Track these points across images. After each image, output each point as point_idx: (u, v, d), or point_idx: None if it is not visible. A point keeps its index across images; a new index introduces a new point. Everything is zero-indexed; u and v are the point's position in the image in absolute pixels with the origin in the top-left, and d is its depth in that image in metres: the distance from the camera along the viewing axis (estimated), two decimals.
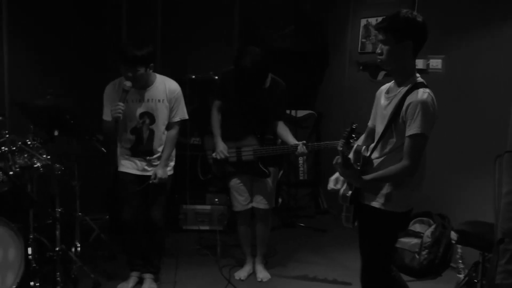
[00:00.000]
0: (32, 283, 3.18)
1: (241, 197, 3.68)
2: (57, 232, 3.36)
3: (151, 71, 3.27)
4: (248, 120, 3.56)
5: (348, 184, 2.52)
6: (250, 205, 3.71)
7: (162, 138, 3.41)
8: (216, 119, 3.65)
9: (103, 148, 3.78)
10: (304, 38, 5.19)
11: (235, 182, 3.67)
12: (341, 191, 2.53)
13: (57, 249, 3.29)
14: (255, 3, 5.21)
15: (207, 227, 4.67)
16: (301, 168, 5.35)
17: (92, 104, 3.47)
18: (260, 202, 3.67)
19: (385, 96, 2.52)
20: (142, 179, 3.41)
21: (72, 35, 4.59)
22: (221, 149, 3.58)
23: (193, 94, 4.54)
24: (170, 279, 3.66)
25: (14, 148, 3.25)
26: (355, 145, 2.54)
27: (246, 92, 3.51)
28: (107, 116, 3.31)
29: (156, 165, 3.41)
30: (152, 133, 3.37)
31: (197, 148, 4.64)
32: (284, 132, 3.56)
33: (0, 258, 3.03)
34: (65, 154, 3.73)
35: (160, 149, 3.42)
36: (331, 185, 2.60)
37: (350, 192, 2.50)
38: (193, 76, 4.73)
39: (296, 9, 5.29)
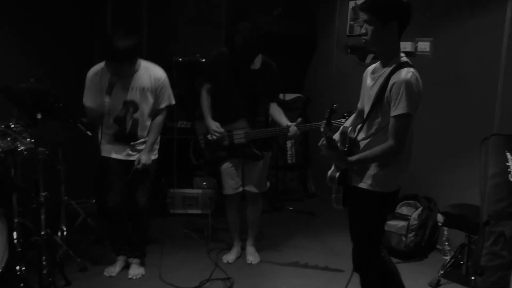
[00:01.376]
0: (17, 267, 3.15)
1: (232, 181, 3.66)
2: (42, 217, 3.32)
3: (136, 63, 3.23)
4: (239, 102, 3.52)
5: (335, 165, 2.51)
6: (240, 189, 3.69)
7: (147, 125, 3.37)
8: (206, 101, 3.60)
9: (88, 132, 3.72)
10: (292, 20, 5.15)
11: (227, 166, 3.64)
12: (329, 172, 2.53)
13: (42, 233, 3.25)
14: None
15: (194, 211, 4.66)
16: (289, 152, 5.34)
17: (76, 88, 3.41)
18: (252, 186, 3.65)
19: (370, 77, 2.51)
20: (126, 164, 3.38)
21: (56, 18, 4.50)
22: (214, 128, 3.53)
23: (179, 77, 4.50)
24: (157, 264, 3.65)
25: None
26: (342, 127, 2.53)
27: (238, 72, 3.47)
28: (88, 101, 3.28)
29: (140, 150, 3.37)
30: (135, 121, 3.33)
31: (184, 132, 4.61)
32: (277, 113, 3.53)
33: None
34: (49, 138, 3.67)
35: (144, 134, 3.38)
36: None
37: (337, 173, 2.49)
38: (180, 59, 4.68)
39: None
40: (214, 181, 4.63)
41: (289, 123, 3.41)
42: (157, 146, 3.48)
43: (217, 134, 3.52)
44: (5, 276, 3.01)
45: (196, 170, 4.76)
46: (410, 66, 2.38)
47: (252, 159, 3.58)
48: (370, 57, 4.65)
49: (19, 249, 3.25)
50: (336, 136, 2.53)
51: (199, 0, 5.09)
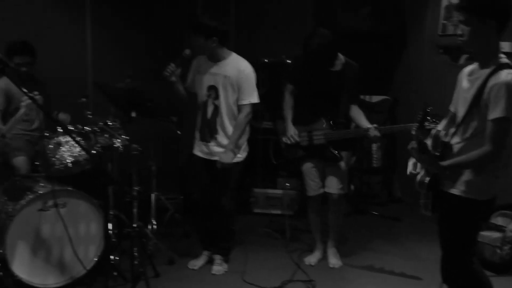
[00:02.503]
0: (112, 257, 3.35)
1: (313, 182, 3.65)
2: (134, 210, 3.51)
3: (213, 44, 3.29)
4: (319, 104, 3.51)
5: (426, 169, 2.42)
6: (322, 190, 3.66)
7: (227, 119, 3.39)
8: (288, 103, 3.63)
9: (177, 130, 3.88)
10: (381, 19, 5.02)
11: (307, 167, 3.64)
12: (419, 177, 2.44)
13: (135, 225, 3.43)
14: None
15: (277, 211, 4.69)
16: (375, 155, 5.22)
17: (168, 88, 3.56)
18: (332, 187, 3.62)
19: (467, 79, 2.39)
20: (209, 163, 3.45)
21: (151, 21, 4.75)
22: (291, 133, 3.56)
23: (265, 77, 4.54)
24: (240, 261, 3.71)
25: (96, 128, 3.42)
26: (434, 130, 2.43)
27: (315, 75, 3.47)
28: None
29: (218, 152, 3.41)
30: (216, 109, 3.39)
31: (268, 132, 4.66)
32: (358, 115, 3.49)
33: (84, 231, 3.22)
34: (142, 135, 3.87)
35: (222, 129, 3.40)
36: (409, 169, 2.52)
37: (427, 178, 2.40)
38: (266, 60, 4.73)
39: None
40: (298, 182, 4.63)
41: (369, 125, 3.34)
42: (243, 147, 3.49)
43: (293, 141, 3.54)
44: (101, 264, 3.22)
45: (279, 170, 4.78)
46: (511, 67, 2.24)
47: (331, 160, 3.55)
48: (464, 57, 4.43)
49: (114, 240, 3.47)
50: (428, 140, 2.44)
51: (287, 1, 5.11)
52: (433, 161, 2.33)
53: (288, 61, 4.67)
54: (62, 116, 3.73)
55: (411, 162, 2.53)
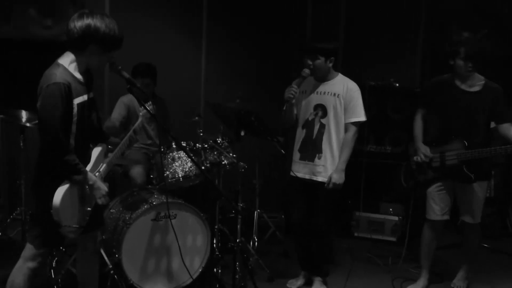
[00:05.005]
0: (215, 269, 3.49)
1: (436, 205, 3.50)
2: (238, 226, 3.62)
3: (330, 64, 3.35)
4: (454, 124, 3.42)
5: None
6: (445, 217, 3.52)
7: (334, 139, 3.38)
8: (418, 125, 3.58)
9: (282, 150, 3.97)
10: (501, 41, 4.75)
11: (433, 189, 3.51)
12: None
13: (238, 241, 3.54)
14: (443, 6, 4.95)
15: (379, 237, 4.58)
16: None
17: (275, 108, 3.67)
18: (465, 215, 3.50)
19: None
20: (308, 183, 3.45)
21: (260, 46, 4.97)
22: (423, 151, 3.49)
23: (371, 101, 4.50)
24: (339, 285, 3.67)
25: (206, 145, 3.61)
26: None
27: (457, 95, 3.38)
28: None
29: (321, 172, 3.41)
30: (322, 127, 3.40)
31: (373, 155, 4.60)
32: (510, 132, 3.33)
33: (190, 243, 3.39)
34: (248, 153, 4.00)
35: (329, 150, 3.40)
36: None
37: None
38: (373, 83, 4.69)
39: (490, 10, 4.87)
40: (401, 207, 4.50)
41: None
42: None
43: (423, 157, 3.48)
44: (205, 275, 3.36)
45: (383, 195, 4.68)
46: None
47: (463, 181, 3.41)
48: None
49: (217, 253, 3.61)
50: None
51: (396, 24, 5.04)
52: None
53: (396, 84, 4.60)
54: None
55: None
